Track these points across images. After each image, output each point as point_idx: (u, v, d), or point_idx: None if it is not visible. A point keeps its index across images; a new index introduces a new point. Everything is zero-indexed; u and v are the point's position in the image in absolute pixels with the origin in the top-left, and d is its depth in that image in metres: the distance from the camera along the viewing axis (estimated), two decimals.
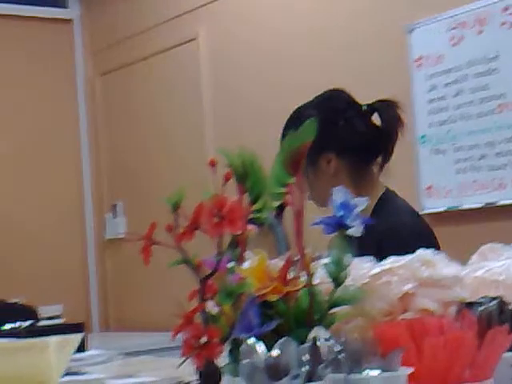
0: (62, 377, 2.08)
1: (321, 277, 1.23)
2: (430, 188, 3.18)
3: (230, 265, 1.26)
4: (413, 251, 1.31)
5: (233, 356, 1.21)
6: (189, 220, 1.18)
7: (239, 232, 1.23)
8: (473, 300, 1.21)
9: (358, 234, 1.16)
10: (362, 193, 2.15)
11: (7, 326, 2.82)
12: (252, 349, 1.09)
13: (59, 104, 4.72)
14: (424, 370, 1.07)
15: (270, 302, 1.20)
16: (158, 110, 4.52)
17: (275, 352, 1.07)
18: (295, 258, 1.22)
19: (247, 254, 1.30)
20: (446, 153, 3.16)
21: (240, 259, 1.28)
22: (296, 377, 1.04)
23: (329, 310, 1.19)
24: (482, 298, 1.21)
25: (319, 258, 1.27)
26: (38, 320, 3.04)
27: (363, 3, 3.66)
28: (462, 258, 1.40)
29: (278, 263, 1.27)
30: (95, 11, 4.88)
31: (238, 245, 1.28)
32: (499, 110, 3.08)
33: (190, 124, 4.29)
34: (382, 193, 2.33)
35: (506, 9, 3.09)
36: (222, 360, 1.21)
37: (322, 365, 1.05)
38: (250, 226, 1.28)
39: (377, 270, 1.25)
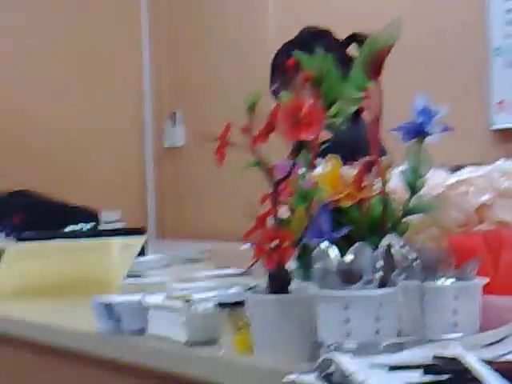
0: (125, 278, 2.14)
1: (395, 185, 1.23)
2: (501, 103, 3.11)
3: (301, 170, 1.26)
4: None
5: (302, 261, 1.22)
6: (264, 122, 1.18)
7: (313, 136, 1.22)
8: None
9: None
10: None
11: (69, 228, 2.88)
12: (325, 253, 1.09)
13: (121, 10, 4.71)
14: (499, 281, 1.07)
15: (342, 208, 1.20)
16: (223, 20, 4.47)
17: (349, 257, 1.07)
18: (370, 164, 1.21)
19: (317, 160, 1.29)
20: None
21: (311, 165, 1.28)
22: (369, 282, 1.05)
23: (402, 218, 1.18)
24: None
25: (393, 165, 1.26)
26: (98, 223, 3.09)
27: None
28: None
29: (351, 170, 1.27)
30: None
31: (310, 150, 1.27)
32: None
33: (255, 36, 4.23)
34: None
35: None
36: (291, 265, 1.22)
37: (395, 271, 1.05)
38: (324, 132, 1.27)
39: (453, 179, 1.24)
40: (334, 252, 1.09)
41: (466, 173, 1.24)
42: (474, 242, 1.11)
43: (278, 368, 1.10)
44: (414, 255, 1.07)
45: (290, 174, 1.18)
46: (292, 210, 1.21)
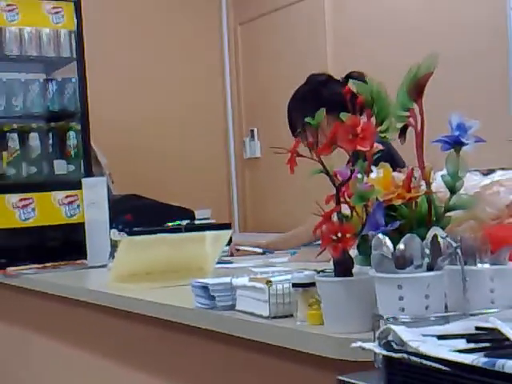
0: (216, 264, 2.15)
1: (437, 186, 1.20)
2: None
3: (359, 176, 1.24)
4: None
5: (362, 249, 1.21)
6: (328, 137, 1.17)
7: (368, 148, 1.20)
8: None
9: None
10: None
11: (169, 224, 2.91)
12: (382, 242, 1.08)
13: (204, 48, 4.75)
14: None
15: (394, 205, 1.18)
16: (290, 48, 4.45)
17: (401, 245, 1.06)
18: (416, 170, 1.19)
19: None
20: None
21: (367, 171, 1.26)
22: (419, 266, 1.03)
23: (445, 213, 1.16)
24: None
25: (435, 170, 1.24)
26: (194, 220, 3.12)
27: None
28: None
29: (400, 175, 1.25)
30: None
31: (365, 159, 1.26)
32: None
33: (317, 62, 4.20)
34: None
35: None
36: (353, 253, 1.20)
37: (440, 257, 1.03)
38: (377, 144, 1.26)
39: (487, 181, 1.20)
40: (388, 242, 1.08)
41: (497, 176, 1.21)
42: (506, 232, 1.07)
43: (345, 337, 1.09)
44: (456, 244, 1.05)
45: (350, 178, 1.18)
46: (352, 208, 1.20)
